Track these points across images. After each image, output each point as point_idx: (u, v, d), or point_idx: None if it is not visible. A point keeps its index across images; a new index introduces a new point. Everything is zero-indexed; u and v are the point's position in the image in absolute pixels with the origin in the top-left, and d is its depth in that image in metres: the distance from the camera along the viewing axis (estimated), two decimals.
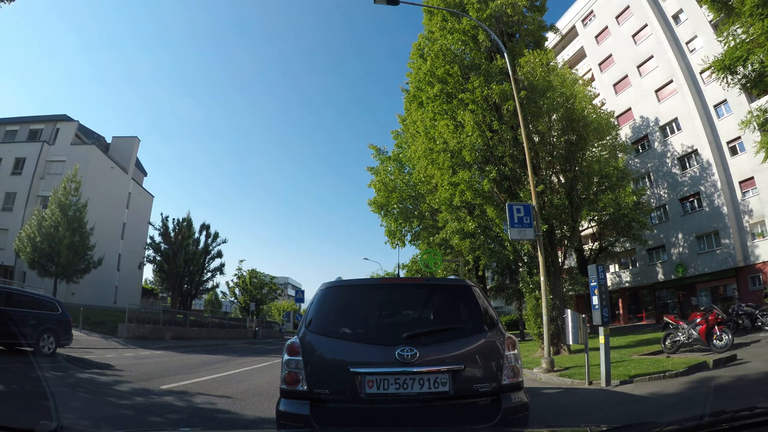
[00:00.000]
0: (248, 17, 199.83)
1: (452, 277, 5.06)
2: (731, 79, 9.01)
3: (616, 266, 33.53)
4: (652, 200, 28.23)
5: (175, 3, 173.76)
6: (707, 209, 26.05)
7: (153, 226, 30.57)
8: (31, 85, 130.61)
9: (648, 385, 7.34)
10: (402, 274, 35.70)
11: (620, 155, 18.58)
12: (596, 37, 33.66)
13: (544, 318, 10.59)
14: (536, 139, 15.33)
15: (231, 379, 9.04)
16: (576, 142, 15.12)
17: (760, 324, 14.40)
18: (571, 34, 35.42)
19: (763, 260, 23.62)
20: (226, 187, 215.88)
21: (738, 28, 8.79)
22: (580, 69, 32.40)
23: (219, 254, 32.55)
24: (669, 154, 28.43)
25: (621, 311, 33.20)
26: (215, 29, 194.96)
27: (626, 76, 31.10)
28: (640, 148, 30.39)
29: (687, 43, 27.29)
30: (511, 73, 12.36)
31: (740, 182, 24.89)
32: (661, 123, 28.72)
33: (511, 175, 14.29)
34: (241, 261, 65.69)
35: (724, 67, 8.80)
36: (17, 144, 34.25)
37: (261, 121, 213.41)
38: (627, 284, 32.35)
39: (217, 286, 36.52)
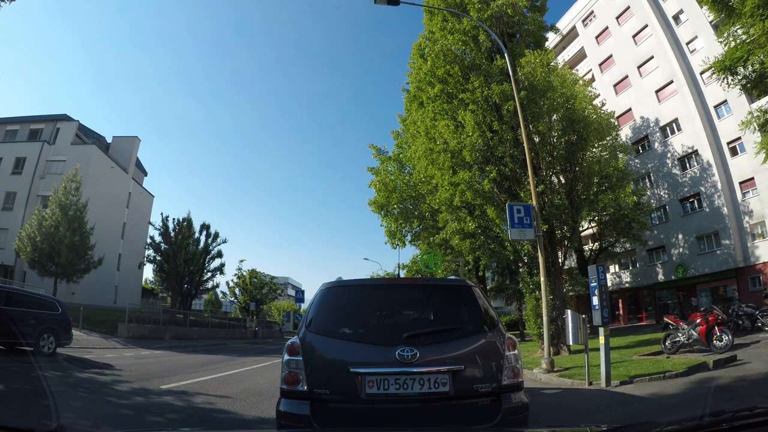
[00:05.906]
0: (248, 17, 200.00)
1: (452, 277, 5.05)
2: (731, 80, 9.03)
3: (616, 267, 33.52)
4: (652, 201, 28.24)
5: (175, 3, 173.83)
6: (707, 210, 26.04)
7: (153, 225, 30.57)
8: (31, 85, 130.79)
9: (648, 386, 7.33)
10: (402, 274, 35.65)
11: (620, 156, 18.60)
12: (597, 37, 33.65)
13: (544, 318, 10.58)
14: (536, 139, 15.31)
15: (231, 379, 9.04)
16: (576, 143, 15.11)
17: (760, 325, 14.39)
18: (572, 34, 35.42)
19: (763, 261, 23.61)
20: (226, 187, 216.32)
21: (738, 28, 8.80)
22: (581, 69, 32.42)
23: (219, 254, 32.55)
24: (669, 155, 28.42)
25: (621, 312, 33.19)
26: (215, 29, 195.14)
27: (626, 77, 31.09)
28: (640, 148, 30.38)
29: (687, 44, 27.29)
30: (511, 74, 12.35)
31: (740, 183, 24.89)
32: (662, 123, 28.71)
33: (511, 176, 14.28)
34: (241, 261, 65.60)
35: (725, 67, 8.81)
36: (17, 144, 34.26)
37: (261, 121, 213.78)
38: (627, 285, 32.33)
39: (217, 286, 36.50)
